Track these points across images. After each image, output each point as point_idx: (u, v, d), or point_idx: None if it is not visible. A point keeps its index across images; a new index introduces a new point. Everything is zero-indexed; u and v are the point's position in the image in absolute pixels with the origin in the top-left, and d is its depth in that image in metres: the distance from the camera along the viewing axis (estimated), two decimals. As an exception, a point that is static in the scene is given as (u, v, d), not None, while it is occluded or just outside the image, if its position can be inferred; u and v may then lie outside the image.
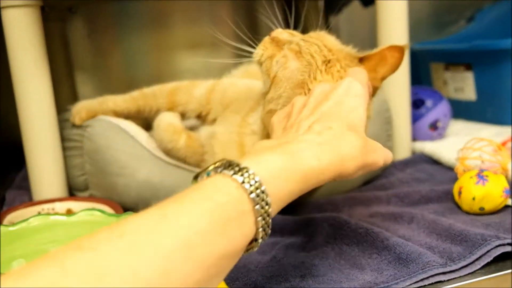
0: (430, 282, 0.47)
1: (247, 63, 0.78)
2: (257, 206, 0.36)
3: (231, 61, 0.61)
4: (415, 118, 0.88)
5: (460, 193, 0.61)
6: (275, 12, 0.62)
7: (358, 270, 0.50)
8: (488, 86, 0.95)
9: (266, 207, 0.37)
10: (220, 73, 0.78)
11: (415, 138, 0.89)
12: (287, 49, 0.55)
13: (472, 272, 0.48)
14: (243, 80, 0.71)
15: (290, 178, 0.40)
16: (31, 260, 0.50)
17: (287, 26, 0.61)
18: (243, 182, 0.37)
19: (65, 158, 0.73)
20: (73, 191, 0.73)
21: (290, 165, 0.40)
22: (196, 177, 0.41)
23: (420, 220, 0.58)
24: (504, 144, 0.68)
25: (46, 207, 0.66)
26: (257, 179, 0.37)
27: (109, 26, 1.11)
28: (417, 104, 0.89)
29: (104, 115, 0.72)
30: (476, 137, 0.69)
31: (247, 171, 0.37)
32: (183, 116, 0.71)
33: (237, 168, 0.37)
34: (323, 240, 0.56)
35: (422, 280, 0.47)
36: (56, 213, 0.55)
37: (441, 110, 0.89)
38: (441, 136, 0.90)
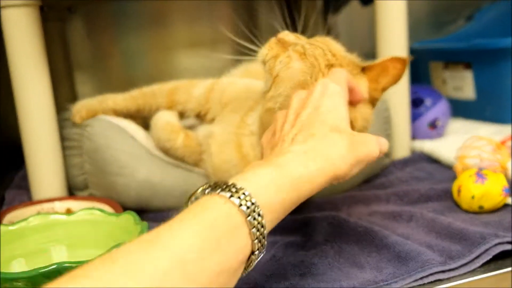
0: (430, 281, 0.47)
1: (246, 62, 0.79)
2: (249, 218, 0.37)
3: (236, 57, 0.60)
4: (414, 117, 0.88)
5: (459, 191, 0.61)
6: (275, 12, 0.62)
7: (357, 269, 0.50)
8: (487, 85, 0.96)
9: (259, 218, 0.37)
10: (219, 72, 0.78)
11: (414, 137, 0.89)
12: (291, 50, 0.56)
13: (471, 271, 0.48)
14: (243, 80, 0.71)
15: (279, 188, 0.40)
16: (31, 259, 0.50)
17: (286, 25, 0.61)
18: (231, 196, 0.37)
19: (65, 158, 0.73)
20: (72, 191, 0.73)
21: (277, 175, 0.41)
22: (186, 203, 0.41)
23: (419, 219, 0.58)
24: (503, 142, 0.68)
25: (45, 206, 0.66)
26: (246, 192, 0.38)
27: (108, 26, 1.11)
28: (416, 103, 0.89)
29: (104, 114, 0.72)
30: (475, 135, 0.69)
31: (234, 187, 0.38)
32: (182, 115, 0.72)
33: (224, 186, 0.38)
34: (323, 239, 0.56)
35: (421, 278, 0.47)
36: (56, 213, 0.55)
37: (440, 109, 0.89)
38: (440, 135, 0.90)
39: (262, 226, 0.37)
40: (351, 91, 0.52)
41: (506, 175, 0.63)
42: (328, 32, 0.60)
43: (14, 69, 0.69)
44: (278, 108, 0.54)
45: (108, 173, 0.67)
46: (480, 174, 0.60)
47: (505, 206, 0.60)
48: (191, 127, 0.70)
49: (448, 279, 0.47)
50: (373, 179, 0.76)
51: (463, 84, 1.00)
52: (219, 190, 0.38)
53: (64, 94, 1.01)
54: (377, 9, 0.80)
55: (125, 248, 0.33)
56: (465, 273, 0.48)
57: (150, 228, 0.49)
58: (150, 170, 0.67)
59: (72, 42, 1.08)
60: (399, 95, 0.81)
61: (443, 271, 0.47)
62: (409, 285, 0.46)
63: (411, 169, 0.79)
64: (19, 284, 0.39)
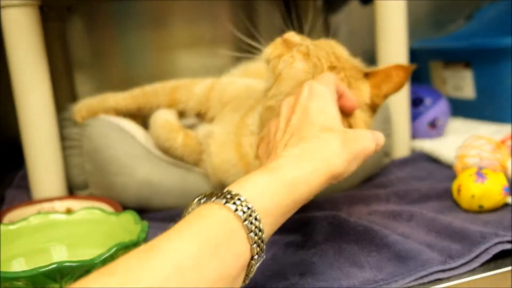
0: (430, 280, 0.47)
1: (246, 62, 0.79)
2: (246, 222, 0.37)
3: (240, 55, 0.60)
4: (414, 117, 0.88)
5: (459, 191, 0.61)
6: (274, 11, 0.62)
7: (357, 268, 0.50)
8: (487, 84, 0.96)
9: (256, 222, 0.37)
10: (219, 72, 0.78)
11: (414, 136, 0.89)
12: (296, 50, 0.56)
13: (471, 270, 0.48)
14: (243, 79, 0.71)
15: (274, 192, 0.40)
16: (31, 259, 0.50)
17: (285, 25, 0.61)
18: (226, 202, 0.37)
19: (65, 157, 0.73)
20: (72, 190, 0.73)
21: (271, 180, 0.41)
22: (184, 215, 0.41)
23: (419, 218, 0.58)
24: (503, 142, 0.68)
25: (45, 206, 0.66)
26: (241, 198, 0.38)
27: (108, 25, 1.11)
28: (416, 102, 0.89)
29: (105, 114, 0.72)
30: (475, 135, 0.69)
31: (229, 193, 0.38)
32: (183, 114, 0.72)
33: (219, 194, 0.38)
34: (322, 238, 0.56)
35: (421, 277, 0.47)
36: (56, 212, 0.55)
37: (440, 108, 0.90)
38: (440, 134, 0.90)
39: (260, 230, 0.37)
40: (341, 96, 0.52)
41: (506, 175, 0.63)
42: (328, 31, 0.60)
43: (14, 69, 0.69)
44: (279, 107, 0.55)
45: (108, 173, 0.68)
46: (480, 174, 0.60)
47: (505, 205, 0.60)
48: (191, 127, 0.70)
49: (448, 278, 0.47)
50: (373, 178, 0.76)
51: (463, 84, 1.00)
52: (214, 198, 0.38)
53: (64, 94, 1.01)
54: (377, 9, 0.80)
55: (122, 260, 0.33)
56: (465, 272, 0.48)
57: (150, 227, 0.49)
58: (149, 170, 0.67)
59: (72, 41, 1.08)
60: (399, 94, 0.81)
61: (443, 270, 0.47)
62: (409, 284, 0.46)
63: (411, 169, 0.79)
64: (19, 283, 0.39)
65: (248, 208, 0.37)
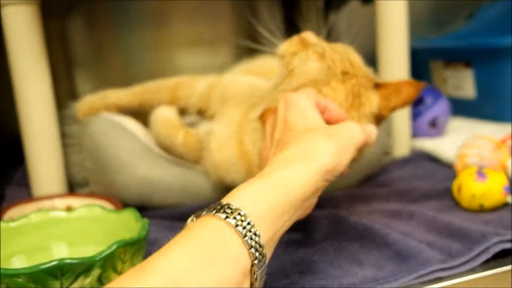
0: (430, 278, 0.47)
1: (247, 60, 0.79)
2: (238, 228, 0.37)
3: (260, 47, 0.60)
4: (414, 116, 0.88)
5: (459, 190, 0.61)
6: (275, 10, 0.62)
7: (357, 266, 0.50)
8: (487, 84, 0.96)
9: (249, 227, 0.37)
10: (219, 70, 0.78)
11: (414, 135, 0.89)
12: (311, 50, 0.56)
13: (471, 269, 0.48)
14: (246, 77, 0.71)
15: (265, 195, 0.40)
16: (32, 256, 0.50)
17: (286, 23, 0.61)
18: (216, 212, 0.37)
19: (65, 155, 0.73)
20: (73, 188, 0.73)
21: (261, 185, 0.41)
22: None
23: (420, 217, 0.58)
24: (503, 141, 0.68)
25: (45, 203, 0.66)
26: (232, 207, 0.38)
27: (109, 23, 1.11)
28: (416, 101, 0.89)
29: (107, 110, 0.72)
30: (475, 134, 0.69)
31: (219, 205, 0.38)
32: (184, 111, 0.71)
33: (209, 207, 0.39)
34: (323, 237, 0.56)
35: (421, 276, 0.47)
36: (56, 209, 0.55)
37: (440, 107, 0.90)
38: (440, 133, 0.90)
39: (256, 235, 0.37)
40: (325, 110, 0.52)
41: (506, 174, 0.63)
42: (329, 30, 0.60)
43: (14, 66, 0.69)
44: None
45: (108, 171, 0.67)
46: (480, 173, 0.60)
47: (506, 205, 0.60)
48: (192, 125, 0.70)
49: (448, 277, 0.47)
50: (373, 177, 0.76)
51: (463, 83, 1.00)
52: (204, 212, 0.38)
53: (64, 91, 1.01)
54: (377, 8, 0.80)
55: (117, 280, 0.33)
56: (465, 271, 0.48)
57: (150, 224, 0.49)
58: (150, 168, 0.67)
59: (73, 39, 1.08)
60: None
61: (443, 269, 0.47)
62: (409, 283, 0.46)
63: (411, 168, 0.79)
64: (20, 280, 0.39)
65: (239, 215, 0.37)
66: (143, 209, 0.65)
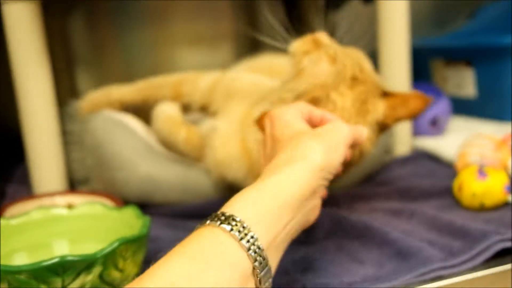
0: (430, 277, 0.47)
1: (248, 58, 0.79)
2: (233, 231, 0.37)
3: (273, 43, 0.60)
4: (415, 115, 0.88)
5: (460, 189, 0.61)
6: (276, 8, 0.62)
7: (358, 264, 0.50)
8: (488, 83, 0.96)
9: (245, 230, 0.37)
10: (220, 68, 0.78)
11: (415, 134, 0.89)
12: (324, 52, 0.56)
13: (472, 267, 0.48)
14: (250, 75, 0.71)
15: (259, 199, 0.40)
16: (33, 253, 0.51)
17: (287, 22, 0.61)
18: (212, 220, 0.38)
19: (66, 152, 0.73)
20: (74, 185, 0.74)
21: (255, 190, 0.41)
22: None
23: (420, 216, 0.58)
24: (504, 140, 0.68)
25: (46, 200, 0.66)
26: (226, 214, 0.38)
27: (110, 21, 1.11)
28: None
29: (110, 107, 0.73)
30: (476, 133, 0.69)
31: (215, 215, 0.39)
32: (187, 108, 0.72)
33: (206, 219, 0.39)
34: (323, 235, 0.56)
35: (422, 274, 0.47)
36: (57, 207, 0.55)
37: (441, 106, 0.90)
38: (441, 132, 0.90)
39: (252, 238, 0.37)
40: (322, 120, 0.52)
41: (507, 173, 0.63)
42: (330, 29, 0.60)
43: (15, 64, 0.69)
44: (291, 100, 0.55)
45: (109, 168, 0.68)
46: (481, 171, 0.60)
47: (506, 204, 0.60)
48: (194, 122, 0.70)
49: (449, 276, 0.47)
50: (374, 176, 0.76)
51: (464, 82, 1.00)
52: (199, 225, 0.39)
53: (65, 89, 1.01)
54: (378, 7, 0.80)
55: None
56: (466, 270, 0.48)
57: (152, 222, 0.49)
58: (151, 165, 0.67)
59: (74, 37, 1.08)
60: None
61: (444, 267, 0.47)
62: (409, 281, 0.46)
63: (412, 167, 0.79)
64: (22, 277, 0.39)
65: (234, 220, 0.38)
66: (144, 206, 0.65)
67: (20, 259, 0.50)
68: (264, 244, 0.38)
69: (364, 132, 0.50)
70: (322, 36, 0.58)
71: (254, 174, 0.61)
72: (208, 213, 0.63)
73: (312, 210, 0.45)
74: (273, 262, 0.40)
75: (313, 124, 0.51)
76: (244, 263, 0.37)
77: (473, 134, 0.69)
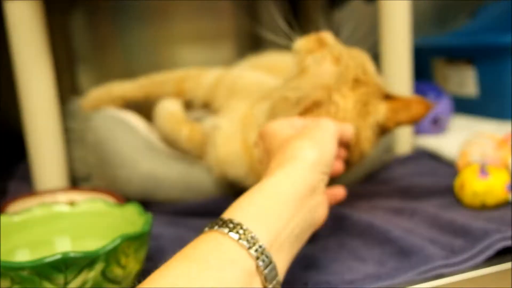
0: (432, 275, 0.47)
1: (250, 57, 0.79)
2: (231, 233, 0.37)
3: (278, 40, 0.60)
4: (416, 113, 0.88)
5: (461, 187, 0.61)
6: (278, 7, 0.62)
7: (360, 262, 0.50)
8: (490, 82, 0.96)
9: (242, 231, 0.38)
10: (222, 66, 0.78)
11: (416, 133, 0.89)
12: (328, 52, 0.56)
13: (473, 266, 0.48)
14: (253, 73, 0.71)
15: (255, 199, 0.41)
16: (35, 250, 0.51)
17: (289, 20, 0.61)
18: (211, 227, 0.38)
19: (68, 150, 0.73)
20: (75, 183, 0.74)
21: (250, 193, 0.42)
22: None
23: (422, 214, 0.58)
24: (506, 139, 0.68)
25: (48, 198, 0.66)
26: (224, 219, 0.39)
27: (112, 19, 1.11)
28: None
29: (112, 103, 0.73)
30: (477, 132, 0.69)
31: (215, 222, 0.39)
32: (190, 104, 0.72)
33: (205, 227, 0.39)
34: (325, 233, 0.56)
35: (424, 272, 0.47)
36: (59, 204, 0.55)
37: (442, 105, 0.90)
38: (442, 131, 0.91)
39: (252, 237, 0.38)
40: None
41: (508, 172, 0.63)
42: (331, 28, 0.60)
43: (17, 61, 0.69)
44: (294, 99, 0.55)
45: (111, 165, 0.68)
46: (483, 170, 0.60)
47: (508, 203, 0.60)
48: (197, 120, 0.70)
49: (451, 274, 0.47)
50: (376, 175, 0.76)
51: (466, 81, 1.00)
52: (200, 233, 0.39)
53: (66, 86, 1.01)
54: (380, 7, 0.80)
55: None
56: (467, 268, 0.48)
57: (153, 219, 0.49)
58: (152, 163, 0.67)
59: (75, 34, 1.08)
60: (402, 91, 0.81)
61: (445, 266, 0.48)
62: (411, 279, 0.46)
63: (413, 165, 0.79)
64: (24, 273, 0.39)
65: (232, 223, 0.38)
66: (146, 204, 0.65)
67: (22, 256, 0.50)
68: (266, 242, 0.38)
69: (350, 129, 0.51)
70: (327, 35, 0.58)
71: (255, 172, 0.61)
72: (209, 210, 0.64)
73: (316, 207, 0.45)
74: (279, 261, 0.40)
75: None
76: (245, 261, 0.37)
77: (474, 133, 0.69)
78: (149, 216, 0.48)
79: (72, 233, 0.53)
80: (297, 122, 0.51)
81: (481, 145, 0.67)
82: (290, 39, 0.59)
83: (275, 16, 0.62)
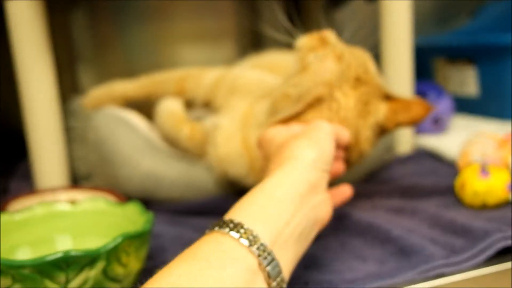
0: (433, 274, 0.47)
1: (252, 55, 0.79)
2: (232, 233, 0.38)
3: (282, 37, 0.61)
4: (417, 113, 0.88)
5: (462, 187, 0.61)
6: (278, 6, 0.62)
7: (360, 262, 0.50)
8: (491, 81, 0.96)
9: (242, 230, 0.38)
10: (223, 65, 0.78)
11: (416, 132, 0.89)
12: (330, 50, 0.56)
13: (474, 265, 0.48)
14: (254, 72, 0.71)
15: (254, 198, 0.41)
16: (36, 248, 0.51)
17: (290, 19, 0.62)
18: (213, 228, 0.39)
19: (69, 149, 0.73)
20: (76, 181, 0.74)
21: (249, 198, 0.42)
22: None
23: (422, 214, 0.58)
24: (506, 139, 0.68)
25: (49, 196, 0.66)
26: (225, 219, 0.39)
27: (113, 18, 1.11)
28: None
29: (114, 102, 0.73)
30: (478, 132, 0.70)
31: (216, 223, 0.39)
32: (191, 103, 0.72)
33: (207, 229, 0.40)
34: (326, 233, 0.56)
35: (424, 271, 0.47)
36: (60, 202, 0.55)
37: (443, 105, 0.90)
38: (443, 131, 0.91)
39: (253, 235, 0.38)
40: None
41: (508, 171, 0.63)
42: (332, 28, 0.60)
43: (18, 60, 0.69)
44: (295, 96, 0.55)
45: (112, 165, 0.68)
46: (484, 170, 0.60)
47: (508, 203, 0.60)
48: (198, 119, 0.70)
49: (451, 273, 0.47)
50: (376, 174, 0.76)
51: (466, 81, 1.00)
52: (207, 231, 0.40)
53: (68, 85, 1.01)
54: (381, 6, 0.80)
55: None
56: (468, 267, 0.48)
57: (154, 218, 0.49)
58: (153, 162, 0.67)
59: (76, 33, 1.08)
60: (403, 91, 0.81)
61: (446, 265, 0.48)
62: (412, 278, 0.46)
63: (413, 165, 0.79)
64: (26, 271, 0.39)
65: (232, 223, 0.38)
66: (147, 203, 0.65)
67: (24, 254, 0.50)
68: (268, 240, 0.38)
69: (346, 134, 0.52)
70: (329, 34, 0.58)
71: (255, 171, 0.61)
72: (210, 209, 0.64)
73: (319, 205, 0.45)
74: (283, 259, 0.40)
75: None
76: (247, 259, 0.37)
77: (475, 133, 0.69)
78: (150, 215, 0.48)
79: (73, 232, 0.53)
80: (295, 127, 0.52)
81: (482, 145, 0.67)
82: (292, 37, 0.59)
83: (277, 13, 0.62)
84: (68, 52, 1.05)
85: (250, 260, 0.37)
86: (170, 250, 0.54)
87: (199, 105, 0.71)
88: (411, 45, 0.81)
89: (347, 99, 0.54)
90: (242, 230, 0.38)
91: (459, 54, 1.00)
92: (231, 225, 0.38)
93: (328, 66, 0.55)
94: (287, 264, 0.40)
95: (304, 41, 0.58)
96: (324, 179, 0.46)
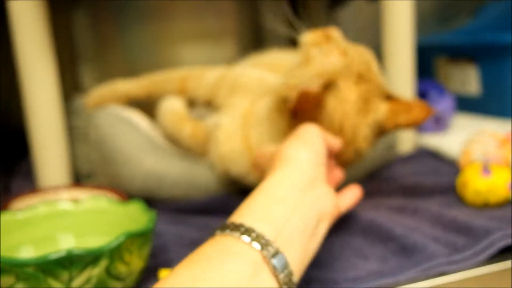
0: (435, 272, 0.47)
1: (254, 55, 0.79)
2: (233, 232, 0.38)
3: (288, 32, 0.61)
4: (418, 112, 0.88)
5: (464, 186, 0.61)
6: (280, 6, 0.62)
7: (362, 260, 0.50)
8: (492, 80, 0.96)
9: (243, 229, 0.38)
10: (224, 64, 0.78)
11: (418, 131, 0.89)
12: (335, 46, 0.56)
13: (476, 263, 0.48)
14: (256, 70, 0.71)
15: (255, 198, 0.42)
16: (39, 247, 0.51)
17: (291, 18, 0.62)
18: (216, 230, 0.40)
19: (72, 148, 0.73)
20: (78, 180, 0.74)
21: (253, 194, 0.43)
22: None
23: (424, 212, 0.58)
24: (508, 137, 0.68)
25: (51, 195, 0.66)
26: (227, 223, 0.40)
27: (114, 17, 1.11)
28: (420, 97, 0.89)
29: (115, 101, 0.73)
30: (480, 130, 0.70)
31: (217, 228, 0.40)
32: (193, 103, 0.72)
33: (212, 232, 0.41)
34: (328, 231, 0.56)
35: (426, 269, 0.47)
36: (62, 201, 0.55)
37: (444, 103, 0.90)
38: (444, 129, 0.91)
39: (253, 231, 0.38)
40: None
41: (510, 170, 0.63)
42: (334, 26, 0.60)
43: (20, 59, 0.69)
44: (297, 86, 0.55)
45: (114, 163, 0.68)
46: (486, 169, 0.60)
47: (509, 201, 0.60)
48: (199, 117, 0.70)
49: (453, 271, 0.47)
50: (378, 173, 0.76)
51: (468, 79, 1.00)
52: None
53: (70, 84, 1.01)
54: (383, 5, 0.80)
55: None
56: (470, 266, 0.48)
57: (157, 217, 0.49)
58: (155, 161, 0.67)
59: (79, 32, 1.08)
60: (404, 89, 0.81)
61: (448, 263, 0.48)
62: (414, 276, 0.46)
63: (415, 164, 0.79)
64: (29, 270, 0.39)
65: (233, 224, 0.39)
66: (149, 202, 0.66)
67: (26, 253, 0.51)
68: (270, 235, 0.39)
69: (336, 142, 0.53)
70: (334, 31, 0.59)
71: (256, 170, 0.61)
72: (213, 208, 0.64)
73: (322, 198, 0.46)
74: (289, 253, 0.40)
75: None
76: (249, 253, 0.37)
77: (476, 131, 0.69)
78: (152, 213, 0.48)
79: (75, 230, 0.53)
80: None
81: (484, 144, 0.67)
82: (297, 32, 0.59)
83: (283, 8, 0.62)
84: (70, 51, 1.05)
85: (252, 254, 0.37)
86: (173, 248, 0.55)
87: (200, 104, 0.71)
88: (412, 44, 0.81)
89: (350, 94, 0.54)
90: (243, 229, 0.38)
91: (461, 53, 1.00)
92: (232, 226, 0.39)
93: (332, 60, 0.55)
94: (294, 259, 0.40)
95: (308, 36, 0.58)
96: (321, 172, 0.47)
